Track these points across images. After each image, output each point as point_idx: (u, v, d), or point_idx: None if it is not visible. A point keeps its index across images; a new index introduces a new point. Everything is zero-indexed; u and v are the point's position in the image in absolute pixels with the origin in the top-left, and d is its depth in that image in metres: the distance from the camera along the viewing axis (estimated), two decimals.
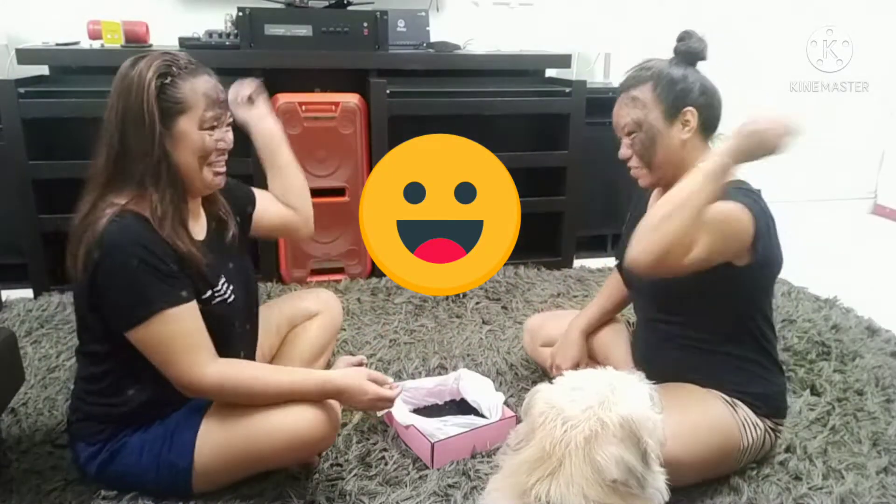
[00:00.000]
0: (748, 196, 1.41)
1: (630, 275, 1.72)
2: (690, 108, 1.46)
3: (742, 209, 1.37)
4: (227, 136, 1.41)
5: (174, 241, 1.33)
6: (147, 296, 1.29)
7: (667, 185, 1.56)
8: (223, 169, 1.43)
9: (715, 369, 1.53)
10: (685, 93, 1.46)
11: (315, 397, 1.38)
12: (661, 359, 1.63)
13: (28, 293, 2.56)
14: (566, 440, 1.00)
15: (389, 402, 1.43)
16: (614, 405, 1.03)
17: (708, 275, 1.43)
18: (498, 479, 1.10)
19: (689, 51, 1.49)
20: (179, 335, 1.31)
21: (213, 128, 1.37)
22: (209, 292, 1.40)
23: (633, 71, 1.52)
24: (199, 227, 1.46)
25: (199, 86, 1.34)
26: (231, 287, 1.45)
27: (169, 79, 1.32)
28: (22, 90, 2.45)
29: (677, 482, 1.41)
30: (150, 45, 2.69)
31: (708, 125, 1.50)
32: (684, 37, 1.51)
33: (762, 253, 1.42)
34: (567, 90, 2.85)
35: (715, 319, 1.52)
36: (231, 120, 1.44)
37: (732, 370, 1.52)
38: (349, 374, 1.42)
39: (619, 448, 1.00)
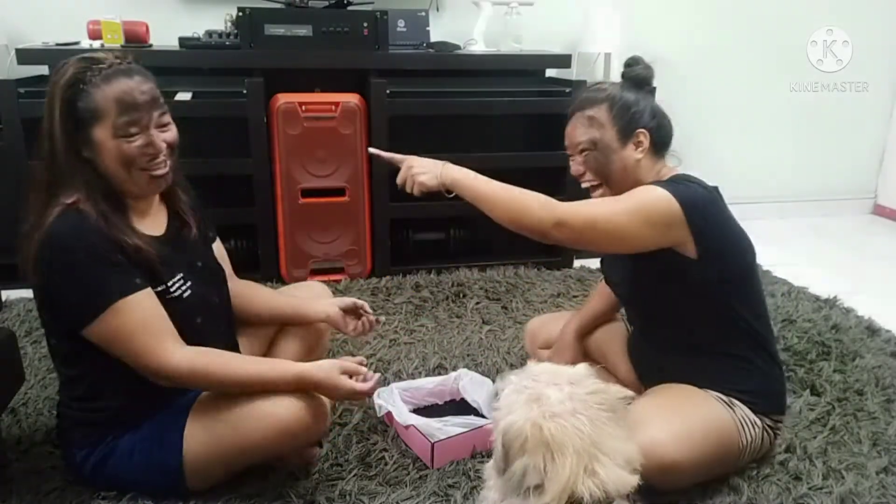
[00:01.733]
0: (676, 184, 1.46)
1: (611, 286, 1.74)
2: (643, 130, 1.52)
3: (659, 190, 1.43)
4: (154, 140, 1.33)
5: (121, 237, 1.31)
6: (101, 287, 1.27)
7: None
8: (161, 171, 1.36)
9: (708, 368, 1.53)
10: (638, 115, 1.52)
11: (291, 389, 1.37)
12: (654, 361, 1.65)
13: (28, 293, 2.52)
14: (588, 429, 0.98)
15: (363, 395, 1.41)
16: (577, 381, 1.05)
17: (672, 280, 1.48)
18: None
19: (637, 77, 1.57)
20: (140, 322, 1.29)
21: (130, 135, 1.30)
22: (161, 287, 1.37)
23: (587, 92, 1.58)
24: (156, 224, 1.45)
25: (111, 92, 1.27)
26: (188, 283, 1.43)
27: (81, 86, 1.27)
28: (22, 90, 2.45)
29: (676, 485, 1.42)
30: (150, 45, 2.69)
31: (659, 144, 1.55)
32: (632, 63, 1.59)
33: (707, 244, 1.44)
34: (567, 90, 2.85)
35: (699, 321, 1.53)
36: (166, 120, 1.37)
37: (726, 368, 1.53)
38: (323, 368, 1.38)
39: (623, 401, 1.06)
